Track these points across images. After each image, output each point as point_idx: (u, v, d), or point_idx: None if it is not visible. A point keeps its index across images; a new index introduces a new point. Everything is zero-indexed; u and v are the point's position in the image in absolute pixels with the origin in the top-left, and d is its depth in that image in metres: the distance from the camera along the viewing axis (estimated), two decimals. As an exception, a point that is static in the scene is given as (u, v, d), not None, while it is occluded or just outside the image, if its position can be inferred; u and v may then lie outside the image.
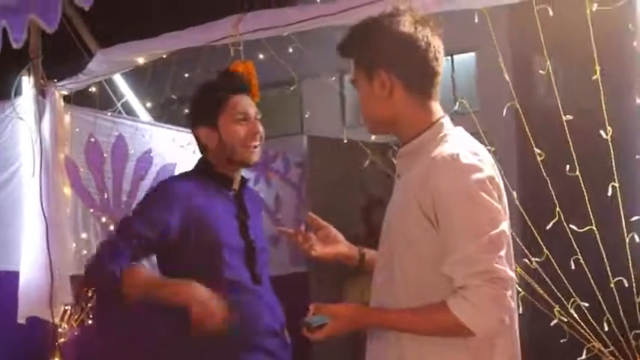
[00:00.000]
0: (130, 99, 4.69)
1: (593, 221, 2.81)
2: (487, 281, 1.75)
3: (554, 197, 2.92)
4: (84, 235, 4.13)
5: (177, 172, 4.25)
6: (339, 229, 2.38)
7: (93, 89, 4.14)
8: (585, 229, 2.83)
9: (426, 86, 1.96)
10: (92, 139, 4.21)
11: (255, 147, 2.60)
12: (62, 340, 3.94)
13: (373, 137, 2.53)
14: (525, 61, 6.25)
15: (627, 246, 2.79)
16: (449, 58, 8.51)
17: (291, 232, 2.35)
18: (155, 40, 3.80)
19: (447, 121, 1.98)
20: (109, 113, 4.32)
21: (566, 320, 2.96)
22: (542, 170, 2.91)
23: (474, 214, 1.79)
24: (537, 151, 2.93)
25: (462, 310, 1.76)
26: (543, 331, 2.96)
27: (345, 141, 3.64)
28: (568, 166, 2.86)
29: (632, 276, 2.79)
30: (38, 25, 3.92)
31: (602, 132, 2.76)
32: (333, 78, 7.14)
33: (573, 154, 2.85)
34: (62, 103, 4.05)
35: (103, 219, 4.21)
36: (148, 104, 4.71)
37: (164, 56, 3.82)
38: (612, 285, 2.81)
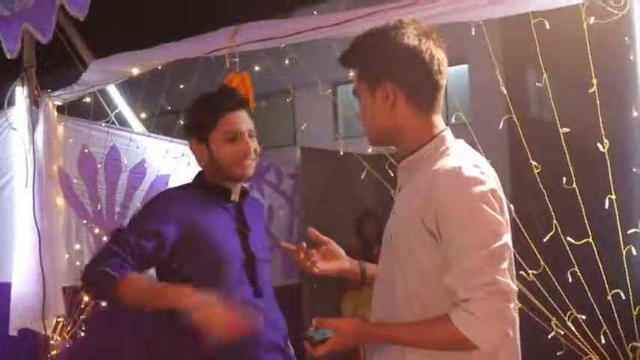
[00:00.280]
0: (124, 110, 4.67)
1: (590, 234, 2.82)
2: (490, 294, 1.75)
3: (551, 210, 2.92)
4: (77, 247, 4.12)
5: (170, 183, 4.25)
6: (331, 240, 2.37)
7: (87, 100, 4.11)
8: (583, 241, 2.83)
9: (429, 99, 1.95)
10: (86, 150, 4.20)
11: (248, 163, 2.55)
12: (54, 352, 3.91)
13: (370, 149, 2.52)
14: (517, 73, 6.28)
15: (624, 258, 2.79)
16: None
17: (293, 249, 2.34)
18: (150, 50, 3.79)
19: (448, 133, 1.98)
20: (103, 124, 4.30)
21: (563, 333, 2.96)
22: (539, 182, 2.91)
23: (477, 226, 1.79)
24: (534, 163, 2.94)
25: (466, 324, 1.75)
26: (540, 343, 2.95)
27: (342, 153, 3.62)
28: (565, 179, 2.87)
29: (630, 288, 2.79)
30: (32, 35, 3.91)
31: (599, 145, 2.76)
32: (330, 91, 7.14)
33: (570, 167, 2.86)
34: (55, 114, 4.04)
35: (96, 230, 4.20)
36: (143, 115, 4.69)
37: (159, 67, 3.81)
38: (609, 297, 2.81)
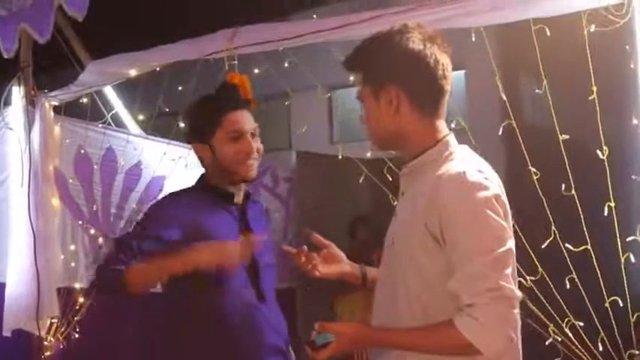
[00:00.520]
0: (120, 111, 4.65)
1: (589, 241, 2.81)
2: (494, 299, 1.75)
3: (550, 216, 2.92)
4: (72, 247, 4.11)
5: (166, 185, 4.24)
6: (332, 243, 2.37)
7: (84, 100, 4.09)
8: (581, 248, 2.83)
9: (433, 103, 1.95)
10: (82, 151, 4.18)
11: (251, 163, 2.56)
12: (48, 353, 3.89)
13: (369, 154, 2.51)
14: (514, 80, 6.28)
15: (622, 266, 2.79)
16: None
17: (294, 252, 2.33)
18: (148, 52, 3.77)
19: (452, 138, 1.98)
20: (100, 125, 4.28)
21: (560, 339, 2.95)
22: (538, 189, 2.91)
23: (481, 232, 1.79)
24: (533, 169, 2.93)
25: (470, 329, 1.75)
26: (538, 350, 2.95)
27: (340, 157, 3.61)
28: (564, 185, 2.87)
29: (628, 296, 2.79)
30: (29, 35, 3.89)
31: (598, 152, 2.77)
32: (328, 94, 7.13)
33: (569, 174, 2.86)
34: (52, 114, 4.02)
35: (92, 231, 4.18)
36: (140, 117, 4.67)
37: (157, 69, 3.79)
38: (607, 304, 2.80)
